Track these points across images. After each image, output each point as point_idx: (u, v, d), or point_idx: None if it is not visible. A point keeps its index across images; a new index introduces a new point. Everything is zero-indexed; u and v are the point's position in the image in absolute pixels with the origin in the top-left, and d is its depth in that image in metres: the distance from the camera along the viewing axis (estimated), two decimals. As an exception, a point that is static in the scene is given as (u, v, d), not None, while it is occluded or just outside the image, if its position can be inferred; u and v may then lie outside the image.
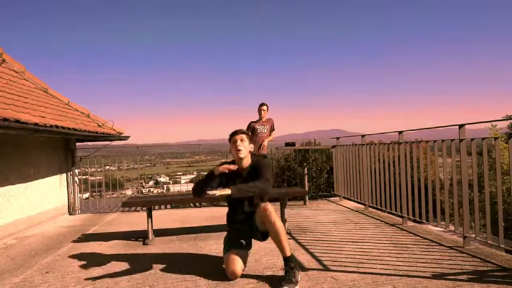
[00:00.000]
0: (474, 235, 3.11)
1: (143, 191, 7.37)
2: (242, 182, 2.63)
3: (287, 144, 6.38)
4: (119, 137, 6.13)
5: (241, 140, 2.69)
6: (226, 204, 2.90)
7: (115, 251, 3.42)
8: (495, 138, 3.02)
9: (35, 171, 4.94)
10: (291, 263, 2.45)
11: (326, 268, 2.71)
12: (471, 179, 3.19)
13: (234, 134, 2.74)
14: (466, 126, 3.23)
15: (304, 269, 2.71)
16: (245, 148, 2.70)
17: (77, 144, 6.30)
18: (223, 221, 3.11)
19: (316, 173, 7.74)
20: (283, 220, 3.96)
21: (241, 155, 2.68)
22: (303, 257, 2.99)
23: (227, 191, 2.45)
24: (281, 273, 2.61)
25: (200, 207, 6.05)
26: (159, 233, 4.07)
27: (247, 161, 2.75)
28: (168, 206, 6.18)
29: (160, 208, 6.05)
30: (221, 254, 3.16)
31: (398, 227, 3.97)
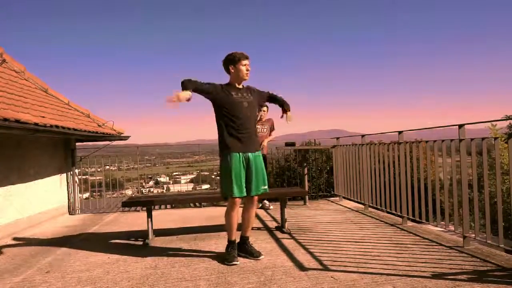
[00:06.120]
0: (473, 235, 3.11)
1: (143, 191, 7.36)
2: (242, 97, 3.00)
3: (287, 144, 6.37)
4: (119, 137, 6.13)
5: (249, 65, 3.02)
6: None
7: (115, 251, 3.42)
8: (495, 138, 3.02)
9: (35, 171, 4.94)
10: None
11: (326, 268, 2.71)
12: (470, 179, 3.20)
13: (246, 57, 2.99)
14: (466, 126, 3.24)
15: (304, 269, 2.72)
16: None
17: (77, 144, 6.30)
18: (223, 221, 3.12)
19: (316, 173, 7.75)
20: (283, 220, 4.00)
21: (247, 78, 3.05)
22: (303, 257, 2.99)
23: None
24: (281, 271, 2.65)
25: (200, 207, 6.05)
26: (159, 233, 4.07)
27: None
28: (168, 206, 6.18)
29: (160, 208, 6.05)
30: (220, 254, 3.16)
31: (398, 227, 3.97)
